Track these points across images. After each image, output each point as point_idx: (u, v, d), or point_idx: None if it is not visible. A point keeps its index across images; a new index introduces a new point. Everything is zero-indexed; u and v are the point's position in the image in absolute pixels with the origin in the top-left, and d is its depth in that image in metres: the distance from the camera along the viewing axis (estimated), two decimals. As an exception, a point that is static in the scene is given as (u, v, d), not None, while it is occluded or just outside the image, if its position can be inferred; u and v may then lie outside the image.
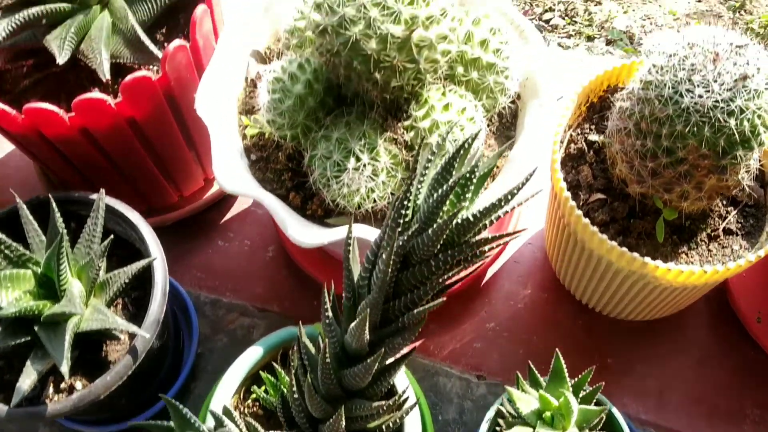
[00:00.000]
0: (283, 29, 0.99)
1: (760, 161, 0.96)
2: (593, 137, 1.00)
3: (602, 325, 1.11)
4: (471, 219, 0.73)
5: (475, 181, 0.75)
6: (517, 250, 1.19)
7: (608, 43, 2.35)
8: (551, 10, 2.45)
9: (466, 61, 0.91)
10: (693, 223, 0.95)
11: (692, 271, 0.85)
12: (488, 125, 0.98)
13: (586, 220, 0.88)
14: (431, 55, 0.84)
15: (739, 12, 2.48)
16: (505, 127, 1.00)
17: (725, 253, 0.92)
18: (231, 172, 0.91)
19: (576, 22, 2.39)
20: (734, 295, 1.07)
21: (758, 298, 1.07)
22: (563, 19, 2.40)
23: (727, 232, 0.95)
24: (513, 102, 1.00)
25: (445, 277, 0.75)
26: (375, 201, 0.89)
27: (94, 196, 0.96)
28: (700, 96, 0.79)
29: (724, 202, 0.96)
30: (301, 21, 0.97)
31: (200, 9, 0.97)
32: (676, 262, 0.92)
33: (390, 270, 0.75)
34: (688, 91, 0.80)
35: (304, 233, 0.87)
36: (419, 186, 0.78)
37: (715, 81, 0.79)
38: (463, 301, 1.14)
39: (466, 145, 0.75)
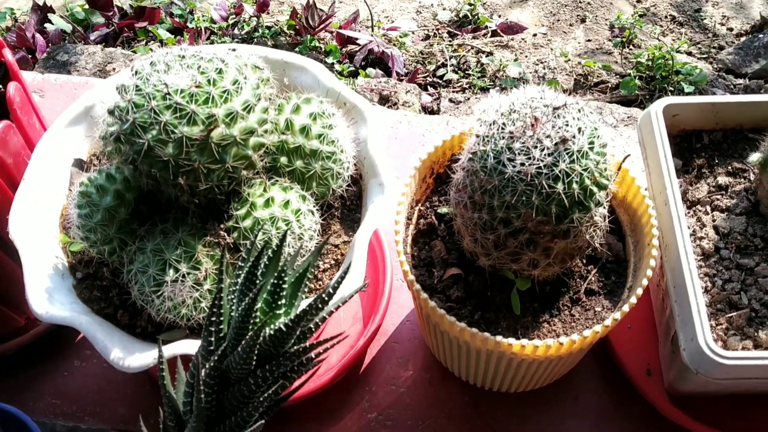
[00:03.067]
0: (98, 135, 0.92)
1: (613, 215, 0.93)
2: (443, 210, 0.95)
3: (490, 400, 1.04)
4: (283, 329, 0.67)
5: (285, 285, 0.69)
6: (396, 329, 1.12)
7: (502, 90, 2.35)
8: (444, 65, 2.45)
9: (288, 150, 0.86)
10: (553, 288, 0.90)
11: (548, 345, 0.80)
12: (330, 210, 0.92)
13: (433, 303, 0.82)
14: (240, 152, 0.79)
15: (627, 47, 2.53)
16: (350, 210, 0.94)
17: (588, 316, 0.87)
18: (46, 297, 0.83)
19: (469, 75, 2.39)
20: (618, 351, 1.01)
21: (645, 350, 1.02)
22: (456, 73, 2.40)
23: (590, 292, 0.90)
24: (355, 183, 0.94)
25: (271, 392, 0.68)
26: (205, 310, 0.82)
27: None
28: (522, 164, 0.75)
29: (584, 262, 0.92)
30: (111, 127, 0.90)
31: (1, 126, 0.90)
32: (537, 333, 0.86)
33: (204, 395, 0.67)
34: (509, 160, 0.75)
35: (127, 357, 0.79)
36: (232, 296, 0.71)
37: (536, 147, 0.74)
38: (341, 393, 1.06)
39: (276, 246, 0.69)
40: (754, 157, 0.85)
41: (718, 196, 0.91)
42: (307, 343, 0.69)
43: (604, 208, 0.85)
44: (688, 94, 2.26)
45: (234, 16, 2.56)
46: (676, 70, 2.34)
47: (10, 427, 0.99)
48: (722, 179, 0.92)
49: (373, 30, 2.54)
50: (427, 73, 2.45)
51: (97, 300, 0.87)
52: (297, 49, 2.43)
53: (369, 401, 1.06)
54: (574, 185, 0.75)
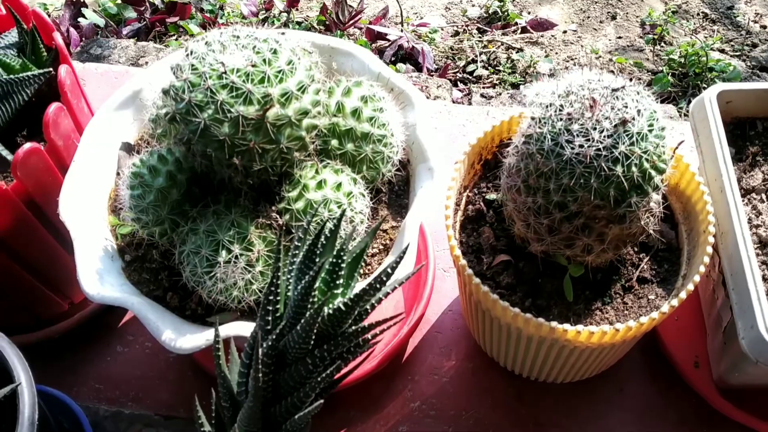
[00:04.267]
0: (148, 118, 0.92)
1: (666, 202, 0.91)
2: (491, 196, 0.94)
3: (534, 391, 1.03)
4: (342, 308, 0.66)
5: (344, 265, 0.68)
6: (438, 318, 1.11)
7: (534, 86, 2.34)
8: (474, 61, 2.44)
9: (339, 133, 0.85)
10: (605, 276, 0.88)
11: (603, 331, 0.78)
12: (378, 195, 0.92)
13: (486, 288, 0.81)
14: (294, 133, 0.78)
15: (659, 44, 2.50)
16: (397, 195, 0.93)
17: (641, 304, 0.86)
18: (97, 278, 0.83)
19: (499, 71, 2.37)
20: (666, 342, 1.00)
21: (693, 343, 1.00)
22: (486, 69, 2.39)
23: (642, 280, 0.88)
24: (403, 168, 0.94)
25: (328, 372, 0.68)
26: (257, 293, 0.81)
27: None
28: (581, 146, 0.73)
29: (636, 250, 0.90)
30: (163, 108, 0.90)
31: (52, 108, 0.90)
32: (590, 320, 0.85)
33: (261, 374, 0.67)
34: (568, 142, 0.74)
35: (179, 339, 0.78)
36: (288, 276, 0.70)
37: (595, 129, 0.73)
38: (384, 381, 1.05)
39: (333, 227, 0.69)
40: (813, 143, 0.84)
41: (774, 184, 0.89)
42: (365, 324, 0.69)
43: (660, 193, 0.84)
44: (723, 91, 2.24)
45: (264, 11, 2.56)
46: (710, 67, 2.31)
47: (55, 410, 0.99)
48: (778, 167, 0.90)
49: (402, 26, 2.53)
50: (457, 69, 2.44)
51: (147, 282, 0.87)
52: (327, 44, 2.43)
53: (412, 390, 1.05)
54: (633, 168, 0.74)
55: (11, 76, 0.94)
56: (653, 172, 0.76)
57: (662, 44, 2.53)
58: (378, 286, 0.67)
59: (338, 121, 0.85)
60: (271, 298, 0.67)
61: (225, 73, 0.74)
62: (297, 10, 2.61)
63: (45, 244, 0.98)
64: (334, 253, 0.68)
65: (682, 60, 2.35)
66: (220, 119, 0.74)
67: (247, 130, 0.74)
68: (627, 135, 0.73)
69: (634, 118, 0.73)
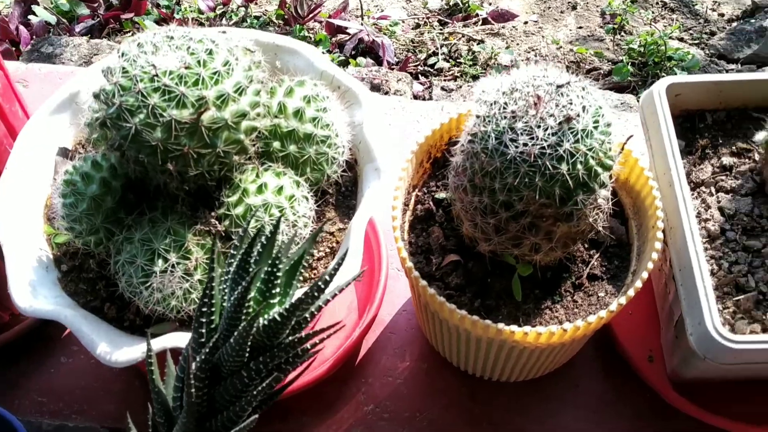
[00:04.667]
0: (83, 123, 0.89)
1: (615, 197, 0.90)
2: (441, 195, 0.92)
3: (488, 390, 1.02)
4: (278, 318, 0.64)
5: (279, 273, 0.66)
6: (392, 319, 1.09)
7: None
8: (435, 54, 2.42)
9: (281, 134, 0.83)
10: (555, 274, 0.87)
11: (551, 332, 0.77)
12: (325, 197, 0.89)
13: (432, 291, 0.80)
14: (232, 136, 0.75)
15: (619, 33, 2.50)
16: (345, 196, 0.91)
17: (591, 302, 0.85)
18: (29, 290, 0.80)
19: (461, 63, 2.36)
20: (619, 338, 0.99)
21: (647, 337, 1.00)
22: (447, 62, 2.37)
23: (592, 277, 0.87)
24: (351, 168, 0.92)
25: (265, 385, 0.65)
26: (196, 302, 0.79)
27: None
28: (525, 144, 0.72)
29: (586, 246, 0.89)
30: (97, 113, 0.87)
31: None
32: (539, 320, 0.84)
33: (194, 389, 0.64)
34: (512, 140, 0.72)
35: (114, 352, 0.76)
36: (224, 286, 0.68)
37: (539, 126, 0.72)
38: (337, 385, 1.03)
39: (269, 233, 0.66)
40: (760, 136, 0.83)
41: (723, 177, 0.88)
42: (303, 334, 0.67)
43: (608, 190, 0.83)
44: (682, 80, 2.25)
45: (222, 6, 2.51)
46: (669, 56, 2.32)
47: (-5, 426, 0.96)
48: (726, 160, 0.89)
49: (362, 19, 2.50)
50: (418, 62, 2.42)
51: (83, 293, 0.84)
52: (286, 38, 2.40)
53: (365, 393, 1.03)
54: (579, 166, 0.72)
55: (-63, 79, 0.89)
56: (599, 169, 0.75)
57: (622, 33, 2.53)
58: (316, 294, 0.65)
59: (280, 123, 0.82)
60: (204, 309, 0.64)
61: (157, 75, 0.71)
62: (256, 4, 2.57)
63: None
64: (270, 261, 0.65)
65: (642, 49, 2.36)
66: (152, 124, 0.71)
67: (180, 134, 0.72)
68: (571, 132, 0.71)
69: (578, 115, 0.72)
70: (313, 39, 2.41)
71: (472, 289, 0.86)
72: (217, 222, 0.79)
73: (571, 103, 0.72)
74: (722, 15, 2.63)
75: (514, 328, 0.77)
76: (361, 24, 2.45)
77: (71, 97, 0.94)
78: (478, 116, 0.76)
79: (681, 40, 2.55)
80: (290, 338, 0.66)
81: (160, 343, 0.75)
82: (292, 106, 0.83)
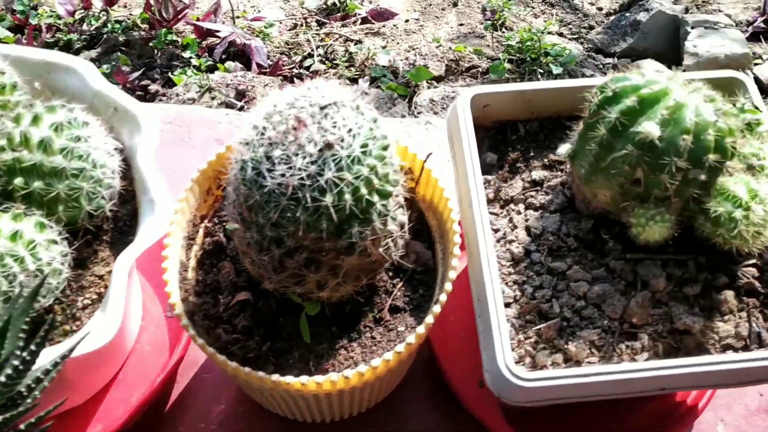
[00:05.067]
0: None
1: (422, 220, 0.83)
2: (234, 225, 0.83)
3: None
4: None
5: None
6: (207, 359, 1.00)
7: (372, 81, 2.25)
8: (311, 56, 2.33)
9: (23, 169, 0.72)
10: (356, 308, 0.80)
11: (331, 381, 0.69)
12: (100, 234, 0.79)
13: (201, 341, 0.71)
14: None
15: (500, 30, 2.47)
16: (123, 232, 0.81)
17: (390, 338, 0.78)
18: None
19: (337, 65, 2.27)
20: (444, 365, 0.92)
21: (473, 365, 0.93)
22: (324, 63, 2.28)
23: (395, 309, 0.80)
24: (130, 201, 0.82)
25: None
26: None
27: None
28: (283, 175, 0.64)
29: (391, 275, 0.82)
30: None
31: None
32: (333, 361, 0.76)
33: None
34: (269, 170, 0.64)
35: None
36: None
37: (297, 155, 0.64)
38: (144, 435, 0.93)
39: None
40: (563, 148, 0.78)
41: (533, 193, 0.83)
42: (20, 409, 0.57)
43: (403, 214, 0.76)
44: (557, 75, 2.23)
45: (82, 10, 2.35)
46: (545, 52, 2.30)
47: None
48: (537, 173, 0.84)
49: (235, 21, 2.39)
50: (293, 65, 2.32)
51: None
52: (151, 44, 2.27)
53: (177, 442, 0.94)
54: (347, 196, 0.65)
55: None
56: (376, 197, 0.68)
57: (503, 30, 2.50)
58: (18, 374, 0.55)
59: (21, 156, 0.72)
60: None
61: None
62: (124, 7, 2.42)
63: None
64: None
65: (519, 46, 2.33)
66: None
67: None
68: (333, 160, 0.64)
69: (343, 140, 0.64)
70: (180, 43, 2.28)
71: (261, 331, 0.77)
72: (-59, 276, 0.68)
73: (334, 126, 0.65)
74: (600, 9, 2.63)
75: (289, 378, 0.69)
76: (233, 26, 2.33)
77: None
78: (240, 142, 0.68)
79: (561, 35, 2.54)
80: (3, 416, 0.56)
81: None
82: (37, 135, 0.72)
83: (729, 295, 0.77)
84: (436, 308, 0.74)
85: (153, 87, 2.18)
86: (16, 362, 0.56)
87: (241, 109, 1.98)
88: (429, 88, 2.27)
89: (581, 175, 0.76)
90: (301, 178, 0.64)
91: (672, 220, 0.72)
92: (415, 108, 2.10)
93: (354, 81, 2.28)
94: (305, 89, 0.68)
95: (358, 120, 0.66)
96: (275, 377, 0.69)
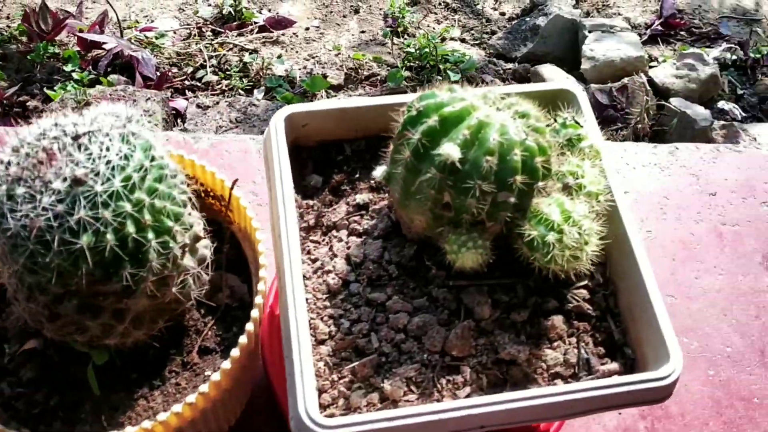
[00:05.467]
0: None
1: (227, 256, 0.77)
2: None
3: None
4: None
5: None
6: None
7: (267, 91, 2.18)
8: (203, 66, 2.24)
9: None
10: (162, 351, 0.72)
11: (118, 439, 0.62)
12: None
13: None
14: None
15: (402, 37, 2.43)
16: None
17: (196, 383, 0.71)
18: None
19: (231, 75, 2.19)
20: (281, 399, 0.85)
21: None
22: (217, 74, 2.19)
23: (205, 351, 0.73)
24: None
25: None
26: None
27: None
28: (27, 216, 0.56)
29: (202, 312, 0.75)
30: None
31: None
32: (130, 413, 0.68)
33: None
34: (12, 210, 0.57)
35: None
36: None
37: (41, 192, 0.56)
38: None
39: None
40: (379, 171, 0.72)
41: (357, 218, 0.77)
42: None
43: (206, 248, 0.69)
44: (455, 82, 2.19)
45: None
46: (444, 58, 2.27)
47: None
48: (362, 197, 0.78)
49: (122, 32, 2.28)
50: (184, 76, 2.23)
51: None
52: (29, 57, 2.14)
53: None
54: (108, 236, 0.58)
55: None
56: (151, 235, 0.61)
57: (405, 36, 2.46)
58: None
59: None
60: None
61: None
62: (7, 18, 2.28)
63: None
64: None
65: (419, 52, 2.30)
66: None
67: None
68: (85, 197, 0.56)
69: (97, 174, 0.57)
70: (62, 56, 2.16)
71: (51, 383, 0.69)
72: None
73: (89, 158, 0.57)
74: (503, 14, 2.62)
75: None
76: (120, 38, 2.23)
77: None
78: (-7, 177, 0.60)
79: (463, 41, 2.51)
80: None
81: None
82: None
83: (557, 320, 0.72)
84: (242, 339, 0.67)
85: (32, 103, 2.07)
86: None
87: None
88: (327, 97, 2.21)
89: (397, 200, 0.71)
90: (48, 219, 0.56)
91: (486, 246, 0.67)
92: (308, 119, 2.04)
93: (248, 92, 2.21)
94: (67, 116, 0.60)
95: (121, 150, 0.59)
96: (39, 440, 0.61)
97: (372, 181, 0.80)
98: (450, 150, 0.63)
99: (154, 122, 1.94)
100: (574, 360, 0.71)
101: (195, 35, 2.41)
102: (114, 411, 0.68)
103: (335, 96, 2.25)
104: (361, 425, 0.62)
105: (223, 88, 2.21)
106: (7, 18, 2.34)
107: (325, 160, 0.82)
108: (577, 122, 0.73)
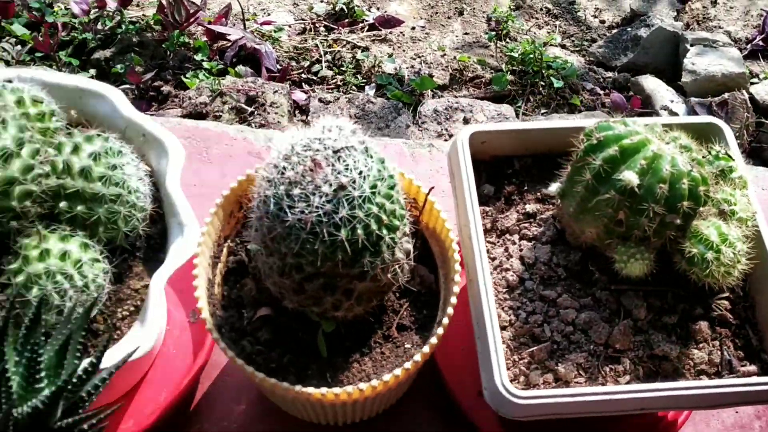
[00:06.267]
0: None
1: (425, 245, 0.91)
2: (254, 245, 0.91)
3: (321, 433, 1.02)
4: (40, 406, 0.62)
5: (41, 359, 0.63)
6: (227, 363, 1.08)
7: (378, 88, 2.32)
8: (318, 62, 2.39)
9: (66, 195, 0.79)
10: (366, 325, 0.87)
11: (347, 392, 0.77)
12: (134, 250, 0.87)
13: (232, 353, 0.79)
14: (2, 204, 0.72)
15: (503, 40, 2.53)
16: (154, 249, 0.89)
17: (398, 354, 0.86)
18: None
19: (344, 71, 2.33)
20: (446, 377, 0.99)
21: (473, 377, 1.01)
22: (331, 69, 2.34)
23: (402, 327, 0.88)
24: (161, 219, 0.89)
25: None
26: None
27: None
28: (302, 212, 0.71)
29: (398, 295, 0.90)
30: None
31: None
32: (347, 374, 0.84)
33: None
34: (290, 207, 0.72)
35: None
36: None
37: (314, 194, 0.71)
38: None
39: (32, 315, 0.64)
40: (554, 187, 0.85)
41: (527, 225, 0.90)
42: (84, 413, 0.65)
43: (408, 243, 0.83)
44: (558, 89, 2.29)
45: (97, 9, 2.41)
46: (548, 65, 2.36)
47: None
48: (531, 207, 0.92)
49: (245, 24, 2.45)
50: (301, 70, 2.39)
51: None
52: (164, 45, 2.33)
53: (199, 440, 1.02)
54: (359, 231, 0.73)
55: None
56: (385, 231, 0.75)
57: (507, 40, 2.57)
58: (85, 376, 0.63)
59: (65, 182, 0.79)
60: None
61: None
62: (138, 6, 2.48)
63: None
64: (28, 347, 0.63)
65: (522, 57, 2.39)
66: None
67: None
68: (346, 199, 0.71)
69: (354, 182, 0.72)
70: (192, 45, 2.35)
71: (283, 345, 0.85)
72: (-3, 292, 0.76)
73: (347, 169, 0.72)
74: (603, 22, 2.69)
75: (311, 389, 0.77)
76: (244, 29, 2.40)
77: None
78: (263, 178, 0.75)
79: (563, 47, 2.61)
80: (64, 422, 0.64)
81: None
82: (78, 164, 0.80)
83: (704, 325, 0.85)
84: (440, 330, 0.81)
85: (165, 88, 2.25)
86: (79, 371, 0.64)
87: (251, 114, 2.06)
88: (433, 97, 2.34)
89: (570, 213, 0.84)
90: (319, 215, 0.71)
91: (651, 258, 0.80)
92: (419, 118, 2.17)
93: (360, 88, 2.35)
94: (320, 131, 0.75)
95: (367, 163, 0.74)
96: (298, 388, 0.77)
97: (538, 193, 0.94)
98: (630, 177, 0.76)
99: (281, 114, 2.11)
100: (718, 360, 0.83)
101: (310, 30, 2.56)
102: (335, 371, 0.84)
103: (441, 95, 2.37)
104: (549, 398, 0.75)
105: (338, 83, 2.36)
106: (138, 6, 2.54)
107: (497, 172, 0.96)
108: (728, 155, 0.85)
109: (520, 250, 0.89)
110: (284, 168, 0.73)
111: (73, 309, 0.70)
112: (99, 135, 0.83)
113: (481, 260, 0.82)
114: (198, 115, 2.06)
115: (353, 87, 2.33)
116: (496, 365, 0.77)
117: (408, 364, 0.80)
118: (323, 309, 0.81)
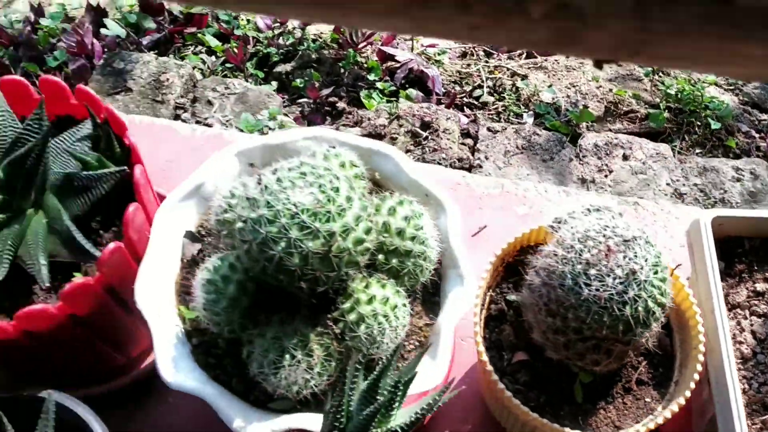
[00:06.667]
0: (213, 217, 1.04)
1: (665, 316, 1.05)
2: (512, 297, 1.08)
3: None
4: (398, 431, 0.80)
5: (400, 394, 0.82)
6: (455, 383, 1.25)
7: (536, 117, 2.45)
8: (480, 87, 2.54)
9: (386, 250, 0.98)
10: (607, 377, 1.03)
11: (610, 437, 0.93)
12: (412, 295, 1.05)
13: (502, 386, 0.96)
14: (352, 259, 0.91)
15: (657, 74, 2.60)
16: (429, 293, 1.07)
17: (639, 406, 1.01)
18: (172, 366, 0.96)
19: (504, 98, 2.48)
20: None
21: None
22: (492, 95, 2.49)
23: (640, 382, 1.03)
24: (436, 268, 1.07)
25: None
26: (313, 387, 0.95)
27: (43, 394, 0.99)
28: (597, 289, 0.87)
29: (636, 353, 1.05)
30: (229, 213, 1.02)
31: (131, 209, 1.02)
32: (594, 419, 0.99)
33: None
34: (585, 284, 0.88)
35: (247, 426, 0.92)
36: (351, 393, 0.84)
37: (609, 275, 0.87)
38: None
39: (388, 357, 0.82)
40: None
41: (756, 302, 1.03)
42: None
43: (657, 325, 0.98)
44: (715, 130, 2.36)
45: (279, 25, 2.64)
46: (705, 105, 2.43)
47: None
48: (760, 285, 1.04)
49: (413, 47, 2.62)
50: (463, 94, 2.54)
51: (212, 366, 1.00)
52: (340, 63, 2.53)
53: (431, 452, 1.20)
54: (640, 309, 0.88)
55: (90, 172, 1.05)
56: (656, 308, 0.90)
57: (660, 74, 2.65)
58: (423, 414, 0.81)
59: (385, 240, 0.98)
60: (338, 416, 0.81)
61: (297, 213, 0.86)
62: (314, 24, 2.69)
63: (116, 317, 1.11)
64: (393, 385, 0.82)
65: (678, 95, 2.47)
66: (291, 252, 0.86)
67: (314, 261, 0.87)
68: (635, 282, 0.87)
69: (642, 268, 0.87)
70: (365, 65, 2.54)
71: (538, 387, 1.02)
72: (333, 324, 0.95)
73: (636, 256, 0.88)
74: (758, 61, 2.72)
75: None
76: (411, 51, 2.57)
77: (196, 188, 1.09)
78: (556, 255, 0.91)
79: (716, 85, 2.66)
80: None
81: (285, 422, 0.92)
82: (395, 225, 0.98)
83: None
84: (686, 394, 0.96)
85: (340, 104, 2.45)
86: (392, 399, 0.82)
87: (425, 139, 2.23)
88: (589, 129, 2.45)
89: (808, 299, 0.97)
90: (611, 294, 0.87)
91: None
92: (581, 151, 2.29)
93: (519, 116, 2.49)
94: (609, 218, 0.91)
95: (649, 251, 0.89)
96: (567, 430, 0.93)
97: (767, 273, 1.06)
98: None
99: (452, 140, 2.27)
100: None
101: (471, 55, 2.71)
102: (584, 415, 1.00)
103: (595, 128, 2.47)
104: (783, 462, 0.89)
105: (498, 109, 2.50)
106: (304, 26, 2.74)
107: (729, 250, 1.09)
108: None
109: (752, 325, 1.02)
110: (581, 250, 0.89)
111: (397, 347, 0.89)
112: (411, 201, 1.01)
113: (724, 332, 0.96)
114: (377, 135, 2.25)
115: (513, 115, 2.47)
116: (738, 425, 0.91)
117: (651, 424, 0.95)
118: (584, 363, 0.97)
